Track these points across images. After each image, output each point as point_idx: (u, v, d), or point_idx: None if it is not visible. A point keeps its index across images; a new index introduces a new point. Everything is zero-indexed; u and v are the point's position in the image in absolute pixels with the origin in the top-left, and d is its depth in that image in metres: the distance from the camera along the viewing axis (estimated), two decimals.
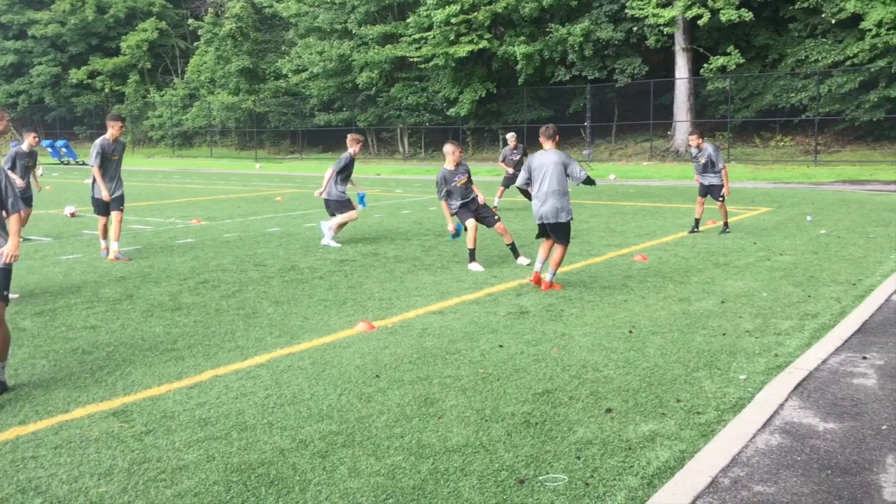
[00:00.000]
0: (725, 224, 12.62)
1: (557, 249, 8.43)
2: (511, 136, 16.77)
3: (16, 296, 8.30)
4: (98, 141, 10.47)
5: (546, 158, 8.41)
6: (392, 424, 4.68)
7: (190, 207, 18.25)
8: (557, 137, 8.61)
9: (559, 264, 8.50)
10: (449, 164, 9.95)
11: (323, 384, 5.42)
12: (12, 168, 11.72)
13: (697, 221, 12.73)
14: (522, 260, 10.03)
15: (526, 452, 4.26)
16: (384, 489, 3.86)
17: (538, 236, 8.64)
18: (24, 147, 11.86)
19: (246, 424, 4.71)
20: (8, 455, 4.31)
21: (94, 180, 10.56)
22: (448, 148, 9.98)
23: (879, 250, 10.64)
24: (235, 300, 8.14)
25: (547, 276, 8.47)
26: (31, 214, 13.20)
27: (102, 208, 10.66)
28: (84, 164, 41.92)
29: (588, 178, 8.51)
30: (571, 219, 8.42)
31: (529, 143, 28.38)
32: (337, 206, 11.83)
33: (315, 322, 7.18)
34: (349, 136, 12.18)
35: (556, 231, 8.41)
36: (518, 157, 16.44)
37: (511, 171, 16.51)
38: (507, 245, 10.20)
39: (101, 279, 9.35)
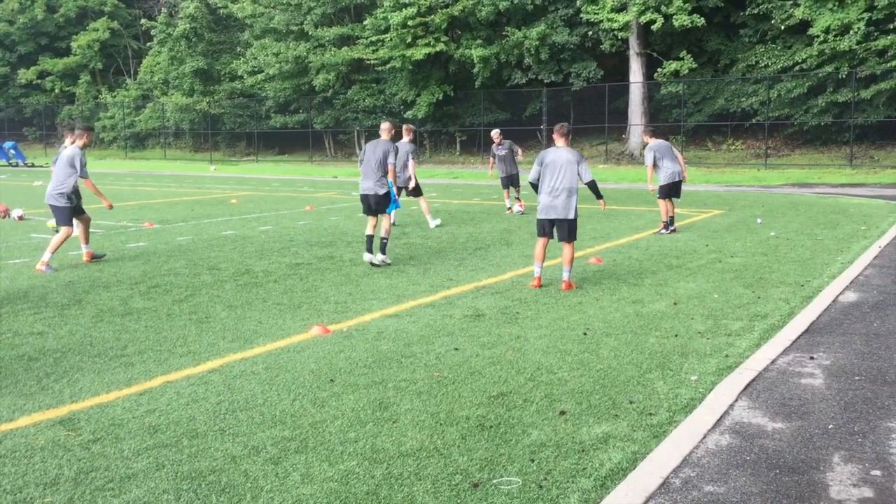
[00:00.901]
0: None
1: (567, 248, 8.62)
2: (495, 133, 16.82)
3: None
4: (76, 151, 10.44)
5: (560, 155, 8.56)
6: (346, 429, 4.65)
7: (142, 210, 17.95)
8: (570, 136, 8.81)
9: (572, 261, 8.71)
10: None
11: (276, 389, 5.36)
12: None
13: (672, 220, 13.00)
14: (370, 257, 10.00)
15: (480, 456, 4.27)
16: (337, 495, 3.83)
17: (541, 234, 8.70)
18: None
19: (197, 431, 4.63)
20: None
21: (74, 188, 10.55)
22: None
23: (827, 252, 10.88)
24: (188, 305, 8.03)
25: (565, 275, 8.64)
26: None
27: (70, 217, 10.52)
28: (33, 165, 41.01)
29: (594, 182, 8.75)
30: (577, 216, 8.66)
31: (486, 145, 28.46)
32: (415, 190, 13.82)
33: (269, 326, 7.11)
34: (405, 126, 14.04)
35: (564, 227, 8.59)
36: (504, 153, 16.47)
37: (492, 167, 16.87)
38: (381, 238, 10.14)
39: (49, 284, 9.15)
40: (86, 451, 4.36)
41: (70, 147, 10.59)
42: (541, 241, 8.73)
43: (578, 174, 8.59)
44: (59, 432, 4.64)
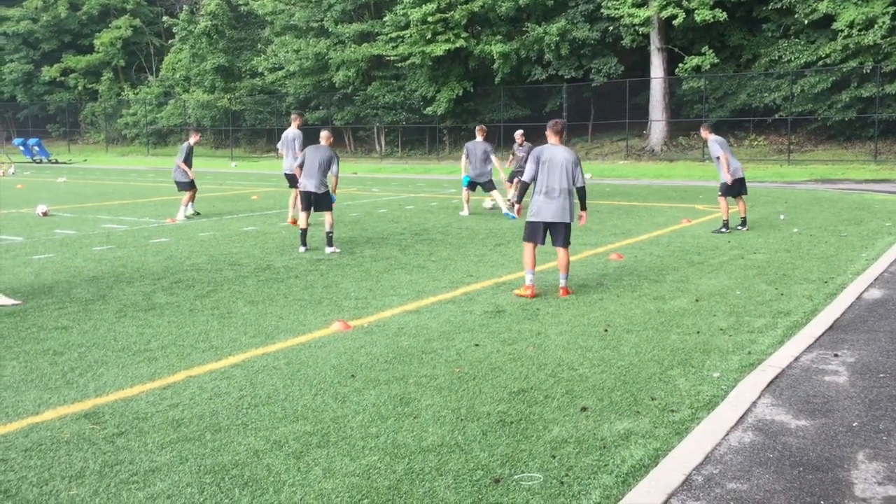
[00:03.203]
0: (725, 222, 12.57)
1: (563, 253, 8.15)
2: (519, 134, 17.01)
3: None
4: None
5: (557, 154, 8.11)
6: (367, 424, 4.66)
7: (164, 206, 18.10)
8: (564, 133, 8.41)
9: (568, 266, 8.25)
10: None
11: (298, 384, 5.39)
12: None
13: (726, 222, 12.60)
14: (305, 250, 11.11)
15: (501, 451, 4.27)
16: (359, 489, 3.85)
17: (527, 238, 8.21)
18: None
19: (220, 425, 4.67)
20: None
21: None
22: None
23: (851, 248, 10.77)
24: (210, 300, 8.08)
25: (562, 282, 8.18)
26: (3, 214, 13.10)
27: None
28: (57, 162, 41.43)
29: (584, 188, 8.31)
30: (572, 220, 8.22)
31: (507, 142, 28.41)
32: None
33: (290, 322, 7.14)
34: (478, 127, 15.97)
35: (558, 231, 8.14)
36: (522, 154, 16.59)
37: (510, 164, 17.28)
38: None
39: (73, 279, 9.24)
40: (110, 445, 4.40)
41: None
42: (530, 246, 8.17)
43: (573, 176, 8.12)
44: (83, 426, 4.69)
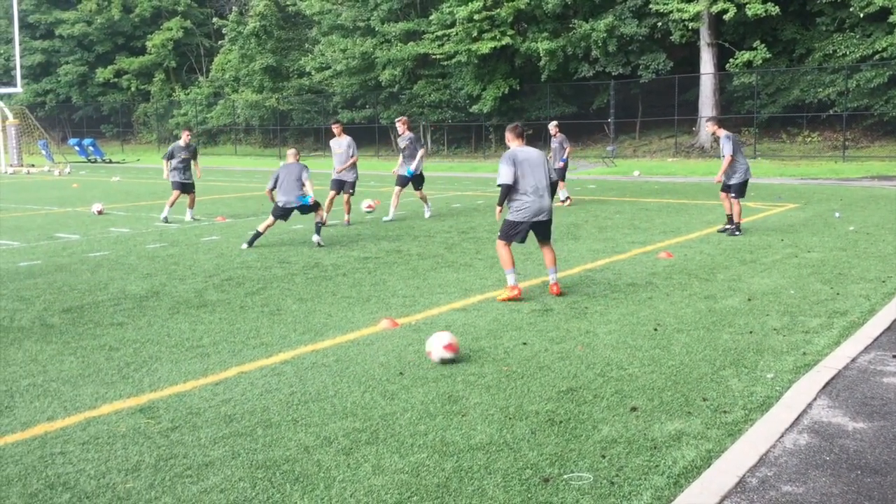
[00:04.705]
0: (729, 221, 12.10)
1: (549, 250, 8.12)
2: (552, 125, 17.11)
3: None
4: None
5: (532, 154, 8.01)
6: (416, 422, 4.68)
7: (215, 205, 18.38)
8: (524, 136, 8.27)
9: (556, 261, 8.21)
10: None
11: (347, 381, 5.43)
12: None
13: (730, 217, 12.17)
14: (246, 246, 11.56)
15: (550, 451, 4.24)
16: (408, 486, 3.86)
17: (506, 237, 8.02)
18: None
19: (271, 421, 4.73)
20: (37, 451, 4.36)
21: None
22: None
23: None
24: (260, 297, 8.18)
25: (553, 278, 8.09)
26: (60, 213, 13.44)
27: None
28: (111, 161, 42.32)
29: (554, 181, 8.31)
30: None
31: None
32: None
33: (339, 319, 7.20)
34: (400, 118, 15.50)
35: (545, 229, 8.08)
36: (556, 146, 16.90)
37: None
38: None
39: (127, 276, 9.44)
40: (165, 439, 4.49)
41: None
42: (508, 246, 8.01)
43: (549, 173, 8.06)
44: (139, 420, 4.79)
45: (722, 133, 12.27)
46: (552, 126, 17.08)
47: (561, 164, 16.54)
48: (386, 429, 4.58)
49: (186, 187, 15.24)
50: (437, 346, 5.77)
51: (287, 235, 12.77)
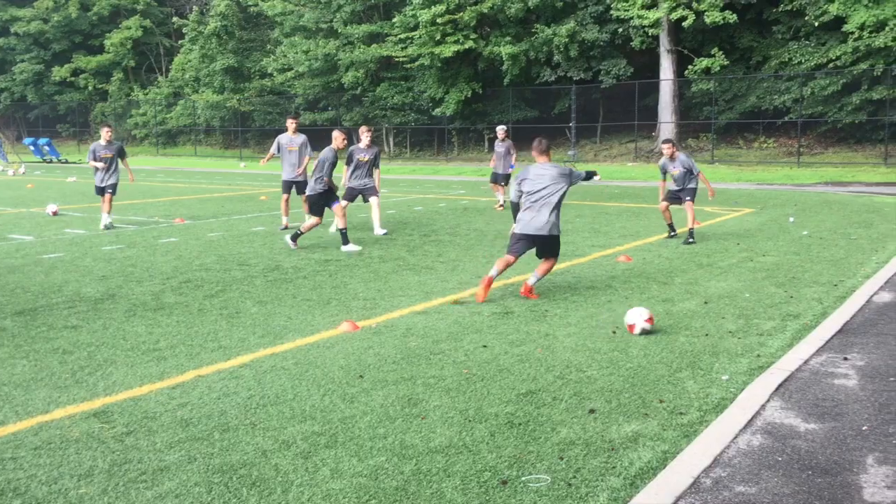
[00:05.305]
0: (691, 230, 11.99)
1: (546, 263, 8.13)
2: (500, 129, 17.45)
3: None
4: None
5: (545, 170, 8.03)
6: (375, 425, 4.67)
7: (173, 206, 18.15)
8: (550, 152, 8.32)
9: (546, 274, 8.21)
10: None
11: (306, 384, 5.40)
12: None
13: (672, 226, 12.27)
14: (353, 248, 11.27)
15: (509, 453, 4.27)
16: (367, 490, 3.85)
17: (511, 251, 8.09)
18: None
19: (228, 425, 4.68)
20: None
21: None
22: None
23: (861, 252, 10.72)
24: (219, 300, 8.10)
25: (531, 280, 8.15)
26: (13, 213, 13.14)
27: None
28: (67, 161, 41.57)
29: (587, 174, 8.52)
30: (560, 233, 8.18)
31: (516, 143, 28.34)
32: None
33: (299, 322, 7.16)
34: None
35: (547, 245, 8.08)
36: (502, 150, 17.09)
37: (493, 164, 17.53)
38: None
39: (82, 278, 9.28)
40: (119, 444, 4.42)
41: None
42: (509, 259, 8.11)
43: (571, 184, 8.05)
44: (93, 424, 4.71)
45: (679, 154, 12.24)
46: (500, 130, 17.34)
47: (510, 169, 16.77)
48: (345, 432, 4.57)
49: (101, 189, 14.12)
50: (640, 319, 6.51)
51: (246, 237, 12.66)
